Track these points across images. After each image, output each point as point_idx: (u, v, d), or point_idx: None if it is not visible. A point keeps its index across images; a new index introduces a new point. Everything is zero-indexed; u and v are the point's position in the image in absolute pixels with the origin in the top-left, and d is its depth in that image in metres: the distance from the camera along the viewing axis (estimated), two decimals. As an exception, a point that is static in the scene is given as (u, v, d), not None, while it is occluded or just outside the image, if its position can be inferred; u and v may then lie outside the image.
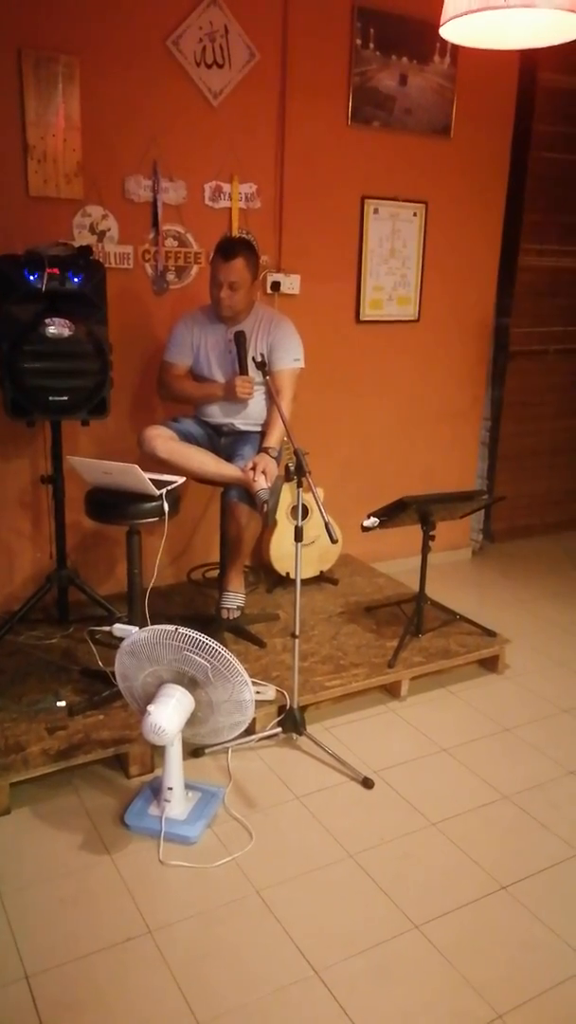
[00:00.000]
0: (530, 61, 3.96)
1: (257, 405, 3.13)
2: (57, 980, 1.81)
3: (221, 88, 3.27)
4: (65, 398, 2.81)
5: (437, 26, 2.05)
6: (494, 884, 2.14)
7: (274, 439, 3.03)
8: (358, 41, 3.50)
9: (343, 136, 3.59)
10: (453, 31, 2.05)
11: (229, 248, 2.94)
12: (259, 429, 3.14)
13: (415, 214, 3.86)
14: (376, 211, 3.76)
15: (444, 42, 3.57)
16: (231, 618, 3.12)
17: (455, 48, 3.66)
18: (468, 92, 3.81)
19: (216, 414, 3.15)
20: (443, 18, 1.99)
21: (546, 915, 2.04)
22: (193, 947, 1.91)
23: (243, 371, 3.00)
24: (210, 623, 3.07)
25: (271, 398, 3.04)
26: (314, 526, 3.48)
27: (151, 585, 2.83)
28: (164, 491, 2.64)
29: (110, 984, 1.80)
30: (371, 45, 3.54)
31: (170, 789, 2.27)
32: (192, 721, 2.27)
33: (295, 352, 3.11)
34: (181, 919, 1.99)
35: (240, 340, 2.99)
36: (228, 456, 3.05)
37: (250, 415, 3.14)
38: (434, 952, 1.92)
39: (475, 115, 3.87)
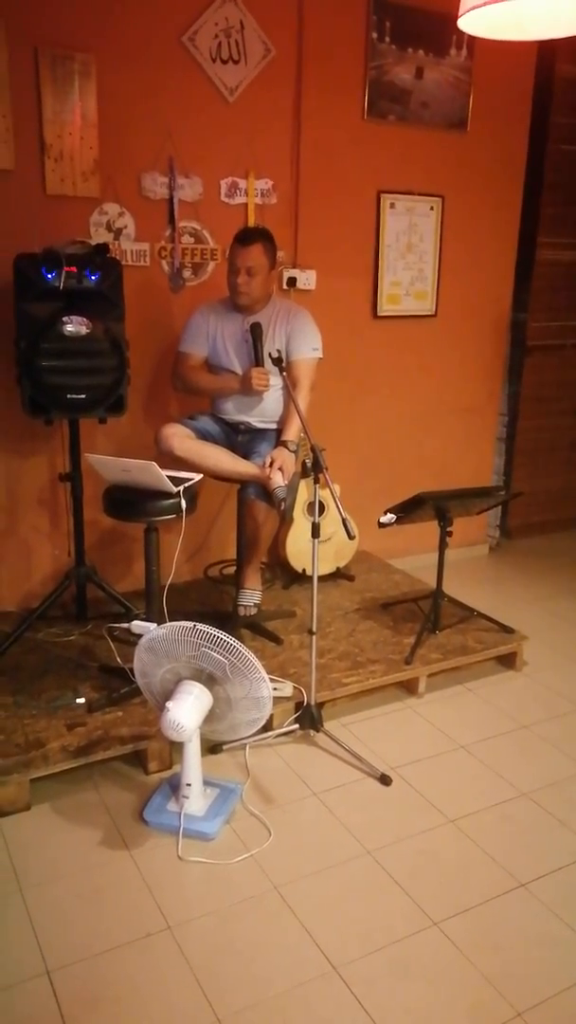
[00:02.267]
0: (548, 52, 3.93)
1: (273, 402, 3.12)
2: (78, 976, 1.82)
3: (237, 84, 3.26)
4: (83, 396, 2.82)
5: (454, 18, 2.03)
6: (512, 881, 2.13)
7: (292, 433, 3.02)
8: (374, 34, 3.48)
9: (359, 130, 3.58)
10: (471, 23, 2.03)
11: (247, 235, 2.96)
12: (276, 426, 3.13)
13: (432, 208, 3.84)
14: (393, 206, 3.74)
15: (461, 34, 3.55)
16: (248, 614, 3.12)
17: (472, 40, 3.63)
18: (485, 85, 3.78)
19: (231, 411, 3.15)
20: (461, 9, 1.97)
21: (565, 912, 2.03)
22: (212, 943, 1.92)
23: (259, 363, 3.00)
24: (227, 620, 3.08)
25: (288, 394, 3.04)
26: (330, 522, 3.47)
27: (168, 582, 2.84)
28: (181, 488, 2.64)
29: (130, 980, 1.82)
30: (387, 38, 3.52)
31: (188, 785, 2.28)
32: (210, 718, 2.28)
33: (313, 341, 3.10)
34: (200, 915, 2.00)
35: (256, 332, 2.98)
36: (245, 453, 3.05)
37: (266, 412, 3.13)
38: (453, 949, 1.92)
39: (492, 108, 3.84)
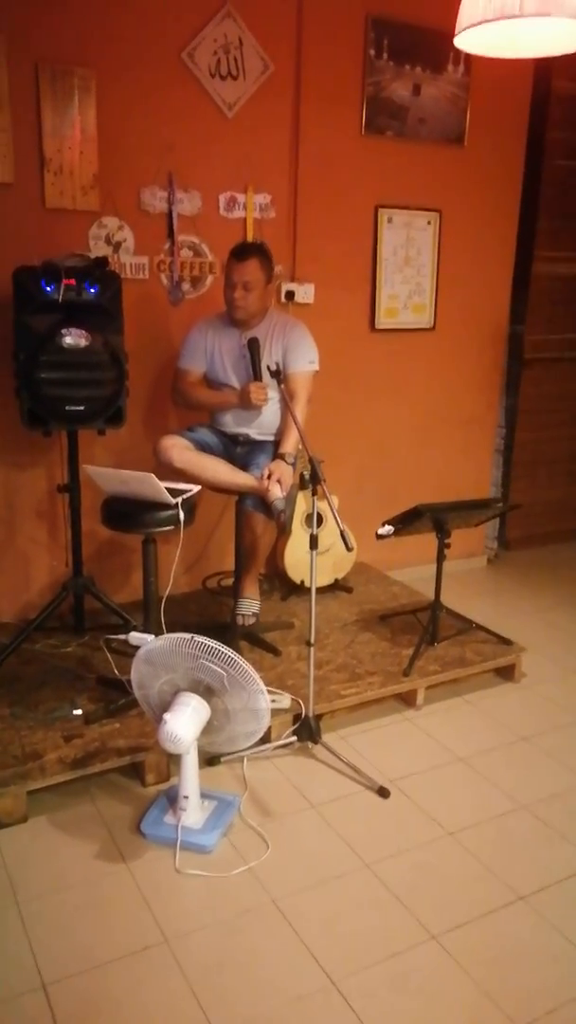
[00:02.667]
0: (544, 69, 3.97)
1: (271, 414, 3.14)
2: (74, 989, 1.81)
3: (235, 99, 3.29)
4: (82, 408, 2.83)
5: (451, 36, 2.05)
6: (512, 895, 2.12)
7: (290, 445, 3.04)
8: (372, 51, 3.52)
9: (357, 146, 3.61)
10: (467, 40, 2.06)
11: (243, 249, 2.98)
12: (274, 438, 3.14)
13: (429, 222, 3.87)
14: (390, 220, 3.76)
15: (458, 51, 3.55)
16: (246, 626, 3.12)
17: (468, 57, 3.67)
18: (482, 101, 3.82)
19: (230, 423, 3.16)
20: (458, 28, 2.00)
21: (565, 926, 2.02)
22: (209, 956, 1.91)
23: (257, 377, 3.01)
24: (225, 631, 3.07)
25: (286, 407, 3.05)
26: (328, 534, 3.48)
27: (167, 593, 2.84)
28: (180, 500, 2.65)
29: (127, 993, 1.80)
30: (385, 55, 3.55)
31: (186, 798, 2.27)
32: (208, 729, 2.27)
33: (310, 355, 3.11)
34: (197, 928, 1.99)
35: (254, 347, 3.00)
36: (243, 465, 3.06)
37: (264, 424, 3.14)
38: (452, 963, 1.91)
39: (489, 124, 3.88)
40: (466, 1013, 1.78)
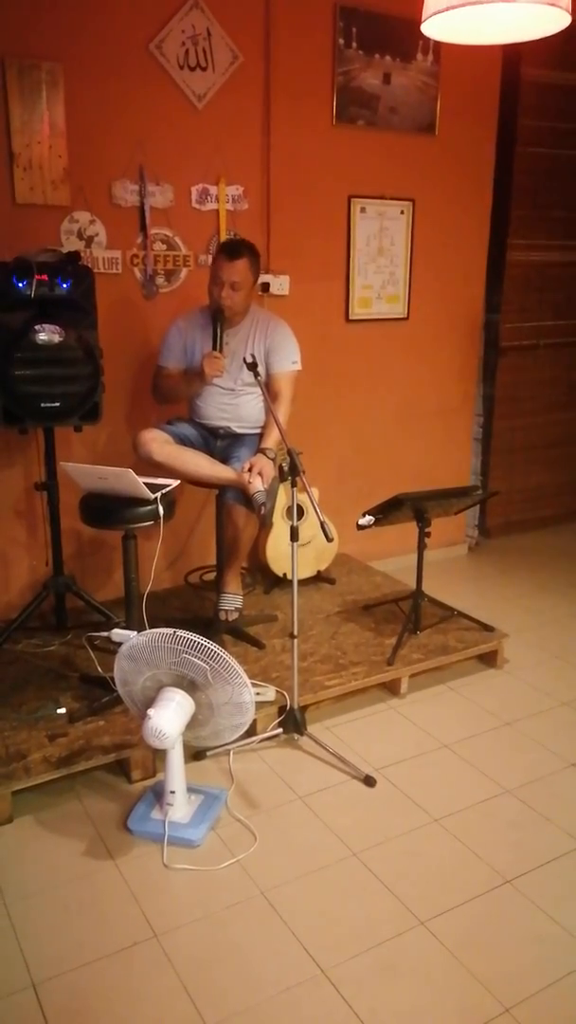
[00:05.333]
0: (513, 56, 3.97)
1: (253, 407, 3.13)
2: (64, 987, 1.81)
3: (205, 91, 3.27)
4: (57, 404, 2.81)
5: (419, 24, 2.05)
6: (498, 878, 2.14)
7: (271, 440, 3.03)
8: (341, 41, 3.51)
9: (328, 136, 3.60)
10: (434, 28, 2.06)
11: (234, 248, 2.95)
12: (256, 432, 3.14)
13: (402, 212, 3.86)
14: (363, 210, 3.76)
15: (427, 40, 3.59)
16: (229, 620, 3.12)
17: (438, 46, 3.66)
18: (452, 89, 3.82)
19: (212, 417, 3.15)
20: (424, 15, 2.00)
21: (551, 908, 2.04)
22: (199, 950, 1.91)
23: (215, 348, 2.96)
24: (209, 626, 3.07)
25: (267, 404, 3.04)
26: (310, 526, 3.48)
27: (148, 589, 2.83)
28: (159, 494, 2.64)
29: (117, 990, 1.80)
30: (354, 44, 3.54)
31: (172, 793, 2.27)
32: (193, 724, 2.27)
33: (293, 355, 3.11)
34: (187, 922, 1.99)
35: (218, 317, 2.97)
36: (224, 458, 3.05)
37: (245, 417, 3.14)
38: (440, 948, 1.92)
39: (459, 112, 3.88)
40: (456, 997, 1.80)
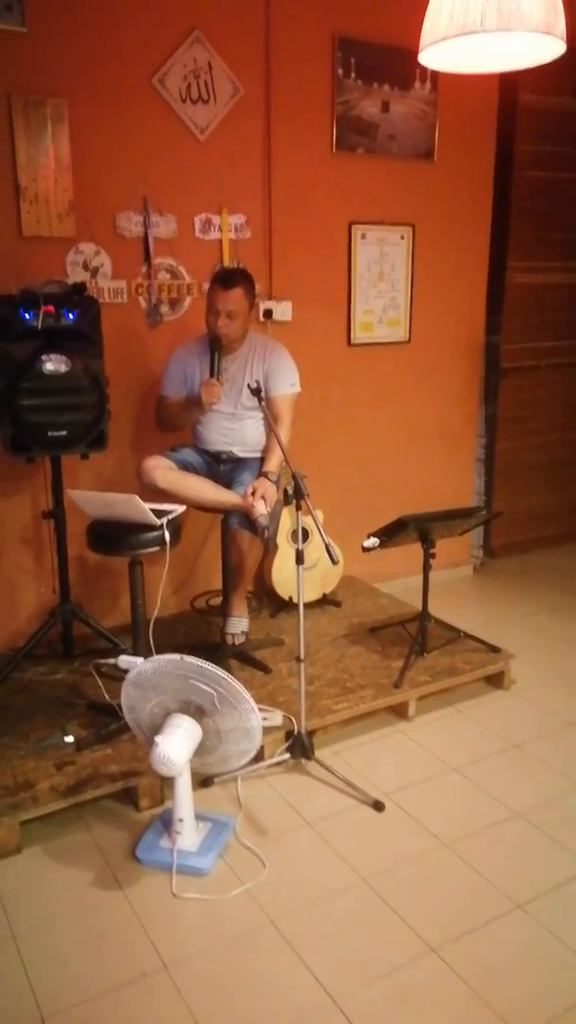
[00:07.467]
0: (510, 83, 4.03)
1: (255, 432, 3.16)
2: (74, 1020, 1.79)
3: (207, 123, 3.33)
4: (64, 433, 2.83)
5: (416, 53, 2.09)
6: (510, 903, 2.13)
7: (273, 464, 3.05)
8: (340, 71, 3.57)
9: (329, 164, 3.65)
10: (431, 57, 2.09)
11: (229, 277, 2.98)
12: (258, 455, 3.16)
13: (402, 237, 3.91)
14: (364, 236, 3.80)
15: (424, 68, 3.64)
16: (236, 644, 3.12)
17: (436, 74, 3.72)
18: (450, 116, 3.88)
19: (214, 442, 3.18)
20: (422, 45, 2.03)
21: (563, 932, 2.03)
22: (209, 980, 1.90)
23: (212, 375, 2.99)
24: (215, 651, 3.08)
25: (269, 427, 3.07)
26: (315, 549, 3.49)
27: (155, 615, 2.84)
28: (165, 520, 2.65)
29: (127, 1022, 1.79)
30: (353, 74, 3.60)
31: (180, 820, 2.26)
32: (200, 751, 2.27)
33: (291, 377, 3.14)
34: (196, 953, 1.98)
35: (215, 345, 3.00)
36: (228, 483, 3.07)
37: (248, 442, 3.16)
38: (453, 975, 1.91)
39: (458, 138, 3.93)
40: (468, 1026, 1.78)
